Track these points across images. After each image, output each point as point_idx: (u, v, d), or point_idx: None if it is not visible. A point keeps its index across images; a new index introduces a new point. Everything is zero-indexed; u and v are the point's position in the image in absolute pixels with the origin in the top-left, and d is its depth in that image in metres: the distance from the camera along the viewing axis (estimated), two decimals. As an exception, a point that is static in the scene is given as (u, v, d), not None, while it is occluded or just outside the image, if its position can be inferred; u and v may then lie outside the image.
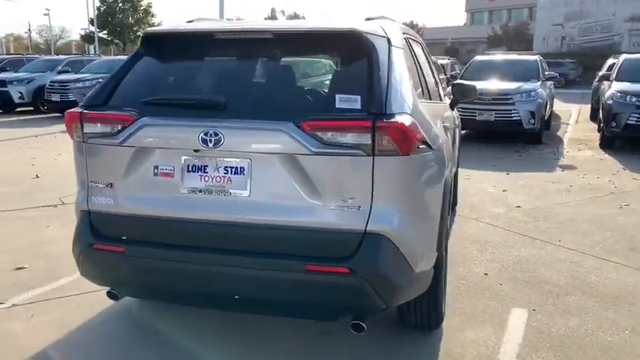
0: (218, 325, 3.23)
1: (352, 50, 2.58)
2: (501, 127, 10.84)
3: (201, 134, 2.38)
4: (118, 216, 2.61)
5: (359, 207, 2.34)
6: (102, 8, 48.11)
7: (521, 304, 3.57)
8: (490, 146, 10.57)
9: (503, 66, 12.50)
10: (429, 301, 2.91)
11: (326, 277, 2.34)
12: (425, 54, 3.97)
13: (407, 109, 2.45)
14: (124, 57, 17.62)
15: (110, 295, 2.81)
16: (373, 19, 3.05)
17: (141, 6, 49.59)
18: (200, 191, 2.47)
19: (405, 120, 2.34)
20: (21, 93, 16.07)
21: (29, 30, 78.40)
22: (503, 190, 6.81)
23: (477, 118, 10.75)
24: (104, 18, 47.91)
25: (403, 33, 3.22)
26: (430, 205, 2.65)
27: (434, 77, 4.04)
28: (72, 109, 2.66)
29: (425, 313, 2.97)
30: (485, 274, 4.07)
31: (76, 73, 15.99)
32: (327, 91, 2.43)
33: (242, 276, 2.43)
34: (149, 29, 2.83)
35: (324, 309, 2.52)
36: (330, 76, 2.63)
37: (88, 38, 50.11)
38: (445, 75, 14.89)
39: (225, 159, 2.43)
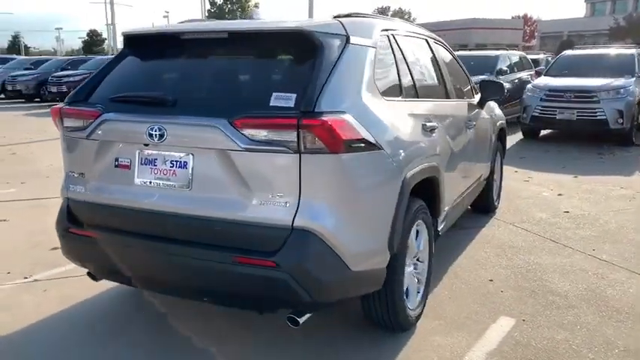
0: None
1: (295, 49, 2.63)
2: (584, 126, 10.11)
3: (148, 129, 2.55)
4: (88, 203, 2.86)
5: (286, 203, 2.38)
6: (212, 10, 50.73)
7: (513, 313, 3.39)
8: (569, 147, 9.95)
9: (594, 61, 11.62)
10: (386, 301, 2.88)
11: (254, 269, 2.41)
12: (430, 51, 3.87)
13: (345, 108, 2.44)
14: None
15: (90, 275, 3.08)
16: (342, 16, 3.06)
17: (248, 7, 51.63)
18: (150, 183, 2.64)
19: (334, 118, 2.35)
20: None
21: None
22: (559, 194, 6.40)
23: (556, 116, 10.13)
24: (214, 20, 50.40)
25: (385, 30, 3.19)
26: (375, 206, 2.63)
27: (441, 75, 3.92)
28: (56, 105, 2.95)
29: (385, 314, 2.94)
30: (490, 280, 3.89)
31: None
32: (266, 89, 2.49)
33: (182, 264, 2.58)
34: (125, 30, 3.06)
35: (255, 301, 2.59)
36: (272, 75, 2.68)
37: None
38: (534, 71, 14.15)
39: (171, 153, 2.58)
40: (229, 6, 50.95)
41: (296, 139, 2.32)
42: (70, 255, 2.98)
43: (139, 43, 3.04)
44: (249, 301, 2.61)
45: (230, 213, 2.47)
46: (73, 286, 3.78)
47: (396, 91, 3.10)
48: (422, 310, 3.28)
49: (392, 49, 3.21)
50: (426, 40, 3.91)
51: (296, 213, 2.37)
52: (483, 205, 5.46)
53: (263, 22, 3.04)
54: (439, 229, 3.57)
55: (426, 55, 3.79)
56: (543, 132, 11.28)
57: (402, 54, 3.33)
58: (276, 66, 2.72)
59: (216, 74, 2.79)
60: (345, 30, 2.78)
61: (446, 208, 3.67)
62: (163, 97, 2.64)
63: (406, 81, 3.26)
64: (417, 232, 3.21)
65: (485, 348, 2.99)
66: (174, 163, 2.58)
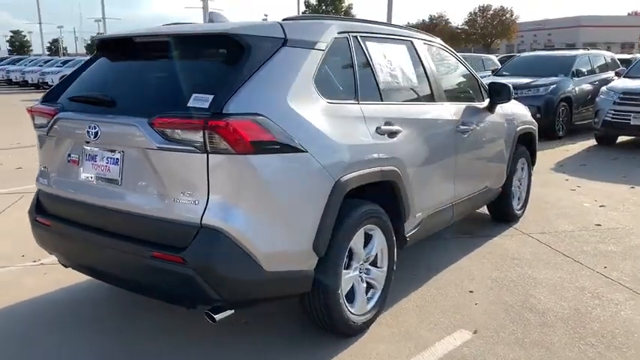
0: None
1: (222, 52, 2.70)
2: (663, 133, 9.25)
3: (87, 128, 2.73)
4: (49, 195, 3.10)
5: (196, 201, 2.45)
6: (306, 12, 51.62)
7: (475, 327, 3.22)
8: (642, 155, 9.14)
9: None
10: (319, 304, 2.86)
11: (167, 265, 2.50)
12: (412, 53, 3.75)
13: (259, 110, 2.47)
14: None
15: (60, 261, 3.33)
16: (293, 18, 3.08)
17: (342, 8, 52.03)
18: (92, 178, 2.82)
19: (239, 120, 2.39)
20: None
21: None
22: (601, 206, 5.93)
23: (631, 121, 9.35)
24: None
25: (344, 32, 3.16)
26: (293, 207, 2.61)
27: (425, 77, 3.79)
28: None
29: (320, 316, 2.92)
30: (471, 292, 3.72)
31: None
32: (190, 90, 2.56)
33: (112, 256, 2.73)
34: (94, 36, 3.27)
35: (171, 294, 2.68)
36: (199, 77, 2.73)
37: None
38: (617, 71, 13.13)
39: (106, 150, 2.74)
40: (323, 7, 51.58)
41: (202, 140, 2.38)
42: (39, 242, 3.23)
43: (104, 47, 3.24)
44: (168, 296, 2.71)
45: (149, 209, 2.58)
46: (68, 271, 4.06)
47: (347, 93, 3.07)
48: (373, 317, 3.21)
49: (350, 51, 3.17)
50: (411, 42, 3.80)
51: (204, 211, 2.44)
52: (502, 214, 5.20)
53: (198, 26, 3.12)
54: (406, 234, 3.47)
55: (404, 57, 3.67)
56: (621, 138, 10.44)
57: (366, 56, 3.27)
58: (203, 68, 2.79)
59: (151, 76, 2.92)
60: (284, 32, 2.80)
61: (419, 215, 3.56)
62: (103, 97, 2.81)
63: (365, 84, 3.20)
64: (370, 236, 3.15)
65: (424, 359, 2.88)
66: (109, 159, 2.73)
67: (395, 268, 3.39)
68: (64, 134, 2.93)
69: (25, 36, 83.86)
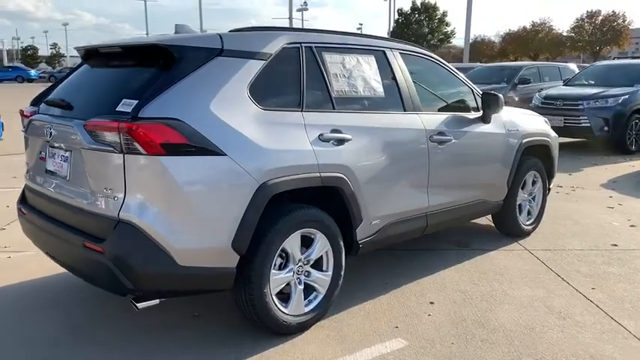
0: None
1: (156, 61, 2.92)
2: None
3: (46, 128, 3.08)
4: (28, 187, 3.50)
5: (115, 197, 2.70)
6: (400, 20, 51.51)
7: (413, 337, 3.21)
8: None
9: None
10: (246, 302, 3.00)
11: (93, 254, 2.76)
12: (381, 64, 3.78)
13: (177, 115, 2.67)
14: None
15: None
16: (242, 29, 3.26)
17: (436, 15, 51.33)
18: (52, 173, 3.16)
19: (151, 124, 2.60)
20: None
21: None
22: (632, 226, 5.54)
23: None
24: (401, 29, 51.18)
25: (293, 43, 3.28)
26: (210, 207, 2.76)
27: (396, 87, 3.81)
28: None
29: (249, 313, 3.05)
30: (431, 303, 3.68)
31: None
32: (124, 96, 2.81)
33: (61, 245, 3.05)
34: (76, 46, 3.63)
35: (102, 282, 2.93)
36: (134, 84, 2.94)
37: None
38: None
39: (61, 149, 3.06)
40: (416, 16, 51.19)
41: (119, 141, 2.63)
42: (22, 230, 3.64)
43: (83, 56, 3.59)
44: (101, 284, 2.98)
45: (84, 203, 2.87)
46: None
47: (289, 102, 3.19)
48: (313, 319, 3.29)
49: (300, 61, 3.29)
50: (382, 53, 3.83)
51: (121, 207, 2.68)
52: (507, 227, 5.04)
53: (141, 38, 3.37)
54: (359, 241, 3.51)
55: (369, 67, 3.70)
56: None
57: (320, 66, 3.37)
58: (138, 76, 3.02)
59: (101, 82, 3.21)
60: (222, 43, 2.99)
61: (375, 222, 3.59)
62: (62, 101, 3.16)
63: (314, 93, 3.31)
64: (311, 239, 3.25)
65: (344, 364, 2.94)
66: (62, 157, 3.06)
67: (343, 273, 3.45)
68: (35, 134, 3.31)
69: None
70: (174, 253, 2.69)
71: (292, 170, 3.04)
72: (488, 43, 68.36)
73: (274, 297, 3.09)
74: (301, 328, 3.24)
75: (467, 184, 4.34)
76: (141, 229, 2.65)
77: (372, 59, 3.76)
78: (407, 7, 51.76)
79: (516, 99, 12.85)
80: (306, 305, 3.28)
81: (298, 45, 3.33)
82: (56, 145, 3.09)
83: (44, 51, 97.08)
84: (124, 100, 2.74)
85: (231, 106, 2.89)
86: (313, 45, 3.41)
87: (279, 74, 3.22)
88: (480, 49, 64.52)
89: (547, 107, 10.57)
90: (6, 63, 69.72)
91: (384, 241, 3.76)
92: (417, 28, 51.07)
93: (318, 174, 3.16)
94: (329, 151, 3.24)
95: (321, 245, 3.30)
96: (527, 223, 5.15)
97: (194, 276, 2.80)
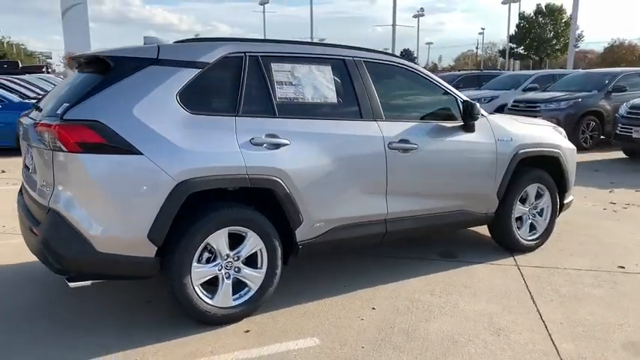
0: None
1: (97, 69, 3.31)
2: None
3: (24, 129, 3.61)
4: (21, 181, 4.07)
5: (48, 189, 3.12)
6: (521, 24, 49.10)
7: (329, 339, 3.28)
8: None
9: None
10: (171, 289, 3.28)
11: (34, 237, 3.22)
12: (338, 73, 3.90)
13: (98, 117, 3.02)
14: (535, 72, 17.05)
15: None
16: (185, 41, 3.56)
17: (562, 19, 48.25)
18: (27, 168, 3.68)
19: (72, 125, 2.98)
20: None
21: (477, 47, 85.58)
22: (662, 248, 5.04)
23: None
24: (522, 34, 48.79)
25: (235, 53, 3.51)
26: (125, 201, 3.07)
27: (353, 95, 3.89)
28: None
29: (176, 300, 3.32)
30: (373, 309, 3.70)
31: (543, 91, 13.78)
32: (67, 100, 3.21)
33: (24, 231, 3.56)
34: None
35: (44, 263, 3.34)
36: (80, 90, 3.30)
37: (505, 53, 52.06)
38: None
39: (31, 147, 3.56)
40: (540, 19, 48.50)
41: (49, 140, 3.04)
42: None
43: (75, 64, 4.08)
44: (45, 264, 3.40)
45: (35, 193, 3.33)
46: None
47: (224, 107, 3.42)
48: (242, 313, 3.49)
49: (242, 69, 3.51)
50: (341, 61, 3.92)
51: (51, 196, 3.09)
52: (502, 241, 4.84)
53: (98, 49, 3.72)
54: (299, 241, 3.64)
55: (323, 76, 3.79)
56: None
57: (264, 74, 3.56)
58: (84, 83, 3.39)
59: (67, 88, 3.62)
60: (158, 54, 3.32)
61: (319, 224, 3.69)
62: (38, 105, 3.66)
63: (254, 99, 3.51)
64: (242, 237, 3.45)
65: (237, 354, 3.11)
66: (30, 154, 3.56)
67: (278, 271, 3.60)
68: (21, 134, 3.87)
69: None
70: (93, 240, 3.05)
71: (213, 171, 3.26)
72: (629, 47, 62.69)
73: (197, 288, 3.33)
74: (228, 320, 3.45)
75: (440, 193, 4.27)
76: (65, 217, 3.05)
77: (327, 68, 3.87)
78: (530, 11, 49.20)
79: (609, 108, 11.90)
80: (235, 299, 3.48)
81: (242, 54, 3.55)
82: (28, 143, 3.60)
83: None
84: (64, 104, 3.16)
85: (157, 110, 3.19)
86: (260, 54, 3.62)
87: (216, 82, 3.47)
88: (618, 53, 59.49)
89: (634, 117, 9.75)
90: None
91: (336, 244, 3.86)
92: (540, 32, 48.30)
93: (245, 175, 3.35)
94: (260, 155, 3.42)
95: (253, 243, 3.48)
96: (530, 238, 4.90)
97: (113, 262, 3.13)
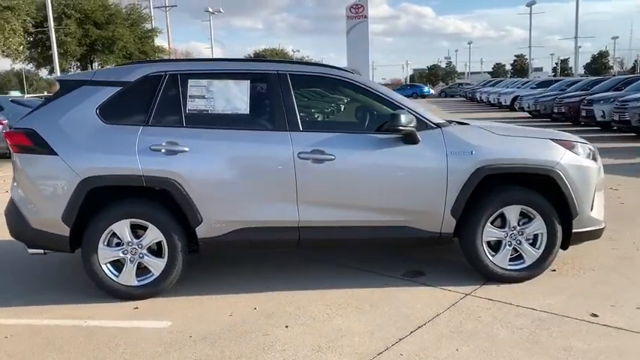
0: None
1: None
2: None
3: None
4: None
5: (12, 179, 4.24)
6: None
7: (183, 323, 3.64)
8: None
9: None
10: (85, 266, 4.07)
11: None
12: (263, 87, 4.18)
13: (32, 126, 3.97)
14: None
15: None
16: (127, 63, 4.29)
17: None
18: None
19: (15, 132, 4.03)
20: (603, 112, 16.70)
21: None
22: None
23: None
24: None
25: (157, 72, 4.13)
26: (40, 190, 3.97)
27: (266, 108, 4.15)
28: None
29: (88, 275, 4.10)
30: (254, 309, 3.88)
31: None
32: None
33: None
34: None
35: None
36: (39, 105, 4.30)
37: None
38: None
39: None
40: None
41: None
42: None
43: None
44: None
45: None
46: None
47: (136, 118, 4.06)
48: (144, 292, 4.08)
49: (158, 87, 4.09)
50: (262, 75, 4.18)
51: (11, 186, 4.20)
52: (475, 267, 4.31)
53: (56, 76, 4.62)
54: (199, 238, 4.05)
55: (240, 90, 4.09)
56: None
57: (179, 90, 4.09)
58: (46, 100, 4.39)
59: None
60: (92, 76, 4.18)
61: (218, 225, 4.02)
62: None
63: (165, 111, 4.07)
64: (145, 228, 4.05)
65: (104, 322, 3.72)
66: None
67: (179, 263, 4.05)
68: None
69: (525, 58, 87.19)
70: (28, 219, 4.05)
71: (111, 171, 3.94)
72: None
73: (104, 265, 4.05)
74: (132, 296, 4.07)
75: (367, 206, 4.11)
76: (15, 202, 4.13)
77: (245, 82, 4.16)
78: None
79: None
80: (140, 280, 4.09)
81: (162, 73, 4.15)
82: None
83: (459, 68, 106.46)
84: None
85: (77, 121, 4.02)
86: (180, 73, 4.16)
87: (133, 97, 4.12)
88: None
89: None
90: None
91: (244, 244, 4.19)
92: None
93: (140, 177, 3.94)
94: (156, 159, 3.96)
95: (153, 235, 4.04)
96: (511, 267, 4.24)
97: (42, 236, 4.06)
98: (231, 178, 4.01)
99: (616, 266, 4.54)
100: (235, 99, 4.16)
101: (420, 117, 4.18)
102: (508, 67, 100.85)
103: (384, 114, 4.25)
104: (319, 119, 4.56)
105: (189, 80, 4.14)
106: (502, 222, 4.23)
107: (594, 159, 4.42)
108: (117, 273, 4.10)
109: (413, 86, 58.66)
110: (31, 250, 4.23)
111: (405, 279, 4.40)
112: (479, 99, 36.59)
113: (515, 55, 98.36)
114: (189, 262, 4.22)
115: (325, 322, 3.64)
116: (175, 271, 4.10)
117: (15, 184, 4.17)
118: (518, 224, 4.22)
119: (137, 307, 3.99)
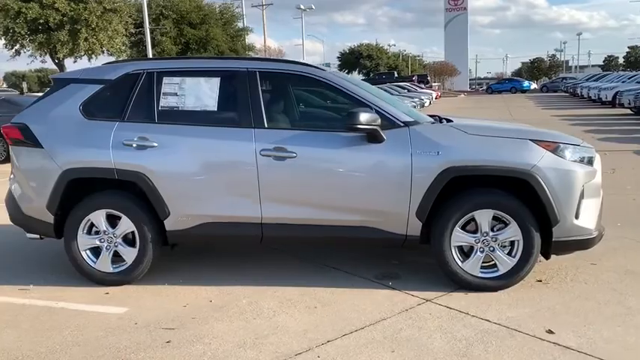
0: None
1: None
2: None
3: None
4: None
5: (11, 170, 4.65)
6: None
7: (139, 311, 3.81)
8: None
9: None
10: (66, 252, 4.37)
11: None
12: (234, 84, 4.25)
13: (25, 121, 4.33)
14: None
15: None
16: (110, 63, 4.55)
17: None
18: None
19: (10, 127, 4.39)
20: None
21: None
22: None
23: None
24: None
25: (137, 70, 4.34)
26: (32, 180, 4.28)
27: (235, 105, 4.22)
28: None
29: (70, 261, 4.39)
30: (210, 301, 3.97)
31: None
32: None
33: None
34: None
35: None
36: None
37: None
38: None
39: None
40: None
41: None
42: None
43: None
44: None
45: None
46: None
47: (113, 114, 4.27)
48: (119, 279, 4.30)
49: (136, 84, 4.29)
50: (232, 73, 4.24)
51: (9, 177, 4.61)
52: (444, 272, 4.11)
53: (52, 75, 4.87)
54: (167, 230, 4.21)
55: (210, 87, 4.17)
56: None
57: (153, 87, 4.26)
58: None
59: None
60: (79, 73, 4.47)
61: (184, 218, 4.16)
62: None
63: (140, 108, 4.25)
64: (120, 218, 4.27)
65: (69, 304, 3.98)
66: None
67: (149, 253, 4.23)
68: None
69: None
70: (20, 206, 4.42)
71: (87, 163, 4.20)
72: None
73: (83, 252, 4.32)
74: (107, 282, 4.31)
75: (328, 204, 4.05)
76: (11, 191, 4.52)
77: (215, 80, 4.25)
78: None
79: None
80: (115, 268, 4.32)
81: (141, 71, 4.35)
82: None
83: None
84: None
85: (63, 116, 4.32)
86: (156, 70, 4.34)
87: (113, 94, 4.36)
88: None
89: None
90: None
91: (207, 238, 4.31)
92: None
93: (112, 169, 4.17)
94: (127, 153, 4.16)
95: (126, 225, 4.25)
96: (483, 275, 3.99)
97: (32, 222, 4.42)
98: (196, 174, 4.13)
99: (615, 281, 4.12)
100: (205, 96, 4.26)
101: (388, 115, 4.05)
102: (621, 61, 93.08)
103: (342, 111, 4.18)
104: (292, 117, 4.54)
105: (163, 78, 4.31)
106: (475, 227, 3.99)
107: (589, 163, 4.05)
108: (95, 260, 4.36)
109: (511, 80, 55.95)
110: (29, 235, 4.60)
111: (373, 281, 4.29)
112: (579, 94, 34.13)
113: (628, 47, 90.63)
114: (174, 254, 4.39)
115: (267, 319, 3.66)
116: (146, 261, 4.29)
117: (12, 175, 4.56)
118: (492, 230, 3.96)
119: (107, 293, 4.23)
